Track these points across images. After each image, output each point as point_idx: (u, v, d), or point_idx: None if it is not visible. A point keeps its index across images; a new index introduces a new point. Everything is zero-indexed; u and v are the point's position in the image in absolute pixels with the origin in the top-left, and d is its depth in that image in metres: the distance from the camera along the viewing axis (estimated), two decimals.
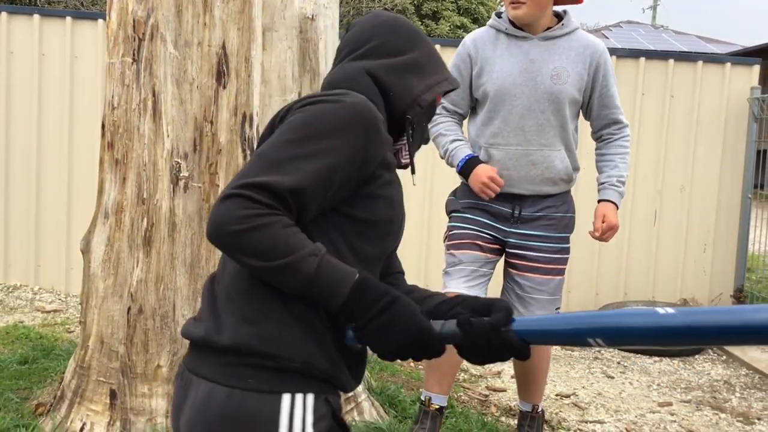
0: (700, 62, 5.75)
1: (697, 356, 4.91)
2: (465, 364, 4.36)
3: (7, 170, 5.58)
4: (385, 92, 1.47)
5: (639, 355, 4.84)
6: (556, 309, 3.03)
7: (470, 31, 4.72)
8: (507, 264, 3.05)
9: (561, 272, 3.02)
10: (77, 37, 5.53)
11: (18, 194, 5.58)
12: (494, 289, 3.21)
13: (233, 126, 2.90)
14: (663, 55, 5.94)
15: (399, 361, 4.31)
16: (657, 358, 4.81)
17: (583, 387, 4.21)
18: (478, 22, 19.20)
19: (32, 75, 5.52)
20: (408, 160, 1.56)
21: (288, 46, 3.02)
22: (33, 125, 5.54)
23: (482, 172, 2.90)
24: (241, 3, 2.87)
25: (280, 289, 1.26)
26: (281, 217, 1.21)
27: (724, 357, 4.93)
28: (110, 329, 2.98)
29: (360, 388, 3.30)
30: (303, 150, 1.26)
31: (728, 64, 5.77)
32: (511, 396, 3.86)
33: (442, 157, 3.10)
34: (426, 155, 5.07)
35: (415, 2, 19.06)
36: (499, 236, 3.00)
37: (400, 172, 1.51)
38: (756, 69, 5.81)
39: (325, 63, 3.15)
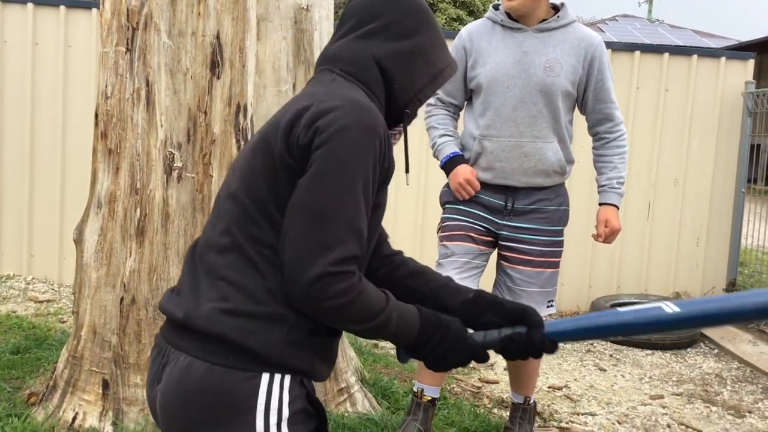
0: (695, 56, 5.75)
1: (689, 349, 4.93)
2: None
3: (0, 159, 5.55)
4: (389, 84, 1.46)
5: (631, 348, 4.86)
6: (550, 302, 3.03)
7: (466, 23, 4.71)
8: (499, 256, 3.06)
9: (554, 265, 3.02)
10: (71, 26, 5.50)
11: (11, 184, 5.55)
12: (488, 282, 3.22)
13: (227, 116, 2.89)
14: (658, 49, 5.94)
15: (392, 352, 4.32)
16: (649, 351, 4.83)
17: (575, 379, 4.23)
18: (474, 14, 19.18)
19: (25, 64, 5.49)
20: (396, 142, 1.57)
21: (283, 36, 3.01)
22: (26, 115, 5.51)
23: (461, 173, 2.96)
24: None
25: (269, 289, 1.30)
26: (362, 276, 1.31)
27: (716, 350, 4.96)
28: (103, 319, 2.98)
29: (353, 379, 3.31)
30: (354, 196, 1.29)
31: (723, 59, 5.78)
32: (503, 388, 3.87)
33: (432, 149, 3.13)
34: (421, 146, 5.07)
35: None
36: (492, 228, 3.00)
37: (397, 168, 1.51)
38: (751, 63, 5.81)
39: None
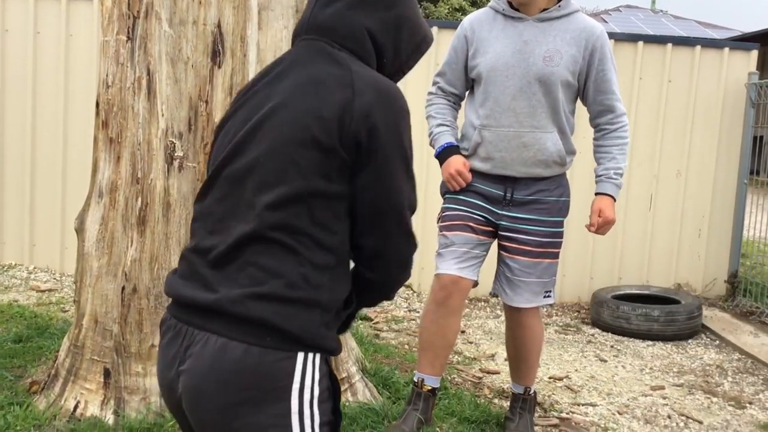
0: (698, 47, 5.72)
1: (690, 340, 4.93)
2: (458, 346, 4.38)
3: (1, 149, 5.55)
4: (379, 56, 1.49)
5: (632, 339, 4.86)
6: (547, 292, 3.02)
7: (468, 13, 4.69)
8: (499, 246, 3.06)
9: (552, 256, 3.01)
10: (72, 15, 5.48)
11: (13, 173, 5.56)
12: (489, 273, 3.22)
13: (228, 106, 2.88)
14: (661, 40, 5.91)
15: (393, 343, 4.33)
16: (650, 342, 4.83)
17: (576, 370, 4.23)
18: (477, 4, 19.10)
19: (27, 53, 5.48)
20: None
21: (284, 25, 3.00)
22: (27, 104, 5.50)
23: (453, 163, 2.98)
24: None
25: (303, 274, 1.34)
26: None
27: (717, 342, 4.96)
28: (104, 308, 2.98)
29: (354, 369, 3.31)
30: (413, 181, 1.48)
31: (726, 49, 5.75)
32: (504, 378, 3.87)
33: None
34: (423, 135, 5.06)
35: None
36: (491, 218, 3.00)
37: None
38: (754, 54, 5.79)
39: None
